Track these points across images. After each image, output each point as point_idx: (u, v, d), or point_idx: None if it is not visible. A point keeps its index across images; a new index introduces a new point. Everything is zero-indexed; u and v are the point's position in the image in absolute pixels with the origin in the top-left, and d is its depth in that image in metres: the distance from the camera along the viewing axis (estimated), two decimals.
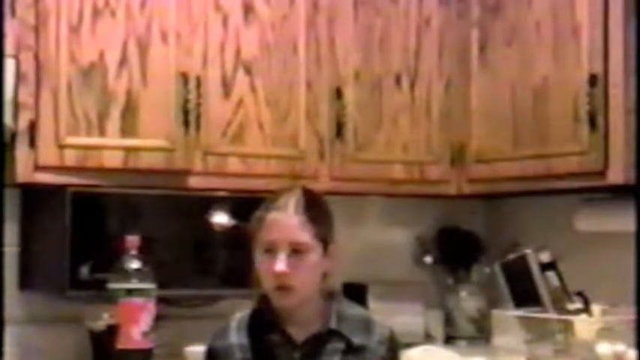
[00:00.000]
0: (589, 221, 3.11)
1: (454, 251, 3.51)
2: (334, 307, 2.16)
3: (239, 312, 2.20)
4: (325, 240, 2.14)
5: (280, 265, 2.07)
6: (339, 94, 3.11)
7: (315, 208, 2.15)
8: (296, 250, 2.09)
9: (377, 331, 2.17)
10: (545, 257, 2.97)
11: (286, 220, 2.11)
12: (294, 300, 2.10)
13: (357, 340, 2.14)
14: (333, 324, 2.14)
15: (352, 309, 2.21)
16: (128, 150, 2.80)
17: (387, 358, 2.16)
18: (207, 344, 2.21)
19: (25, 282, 2.95)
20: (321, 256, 2.13)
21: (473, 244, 3.50)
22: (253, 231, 2.15)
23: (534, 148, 3.02)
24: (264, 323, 2.15)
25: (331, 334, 2.14)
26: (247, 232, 2.17)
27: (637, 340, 2.55)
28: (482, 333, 3.45)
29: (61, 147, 2.72)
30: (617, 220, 3.00)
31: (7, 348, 2.74)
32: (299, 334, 2.13)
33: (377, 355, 2.15)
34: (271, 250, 2.10)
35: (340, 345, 2.13)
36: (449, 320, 3.50)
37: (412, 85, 3.24)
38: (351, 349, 2.13)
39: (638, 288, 2.55)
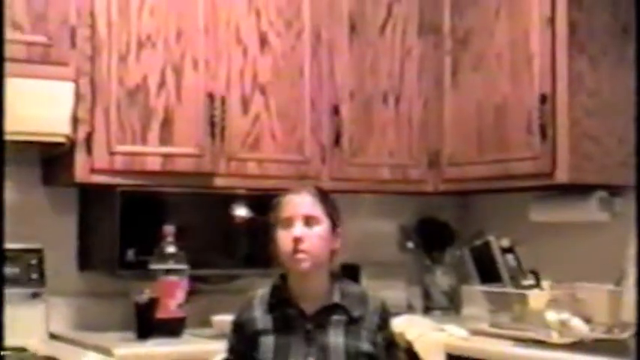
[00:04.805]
0: (541, 213, 3.24)
1: (431, 238, 3.63)
2: (337, 285, 2.26)
3: (260, 289, 2.29)
4: (333, 219, 2.24)
5: (297, 230, 2.18)
6: (336, 110, 3.23)
7: (325, 194, 2.28)
8: (309, 223, 2.20)
9: (371, 303, 2.26)
10: (505, 243, 3.12)
11: (300, 197, 2.23)
12: (308, 264, 2.18)
13: (356, 312, 2.23)
14: (336, 298, 2.23)
15: (351, 287, 2.31)
16: (165, 156, 2.92)
17: (380, 325, 2.25)
18: (233, 316, 2.29)
19: (83, 264, 3.09)
20: (329, 232, 2.22)
21: (446, 232, 3.64)
22: (274, 214, 2.24)
23: (496, 154, 3.15)
24: (282, 299, 2.24)
25: (335, 307, 2.22)
26: (269, 219, 2.26)
27: (637, 342, 2.44)
28: (453, 304, 3.61)
29: (112, 154, 2.85)
30: (564, 213, 3.16)
31: (68, 317, 2.91)
32: (310, 308, 2.22)
33: (372, 322, 2.24)
34: (289, 225, 2.20)
35: (343, 317, 2.22)
36: (426, 294, 3.62)
37: (397, 103, 3.35)
38: (351, 320, 2.23)
39: (638, 287, 2.52)
